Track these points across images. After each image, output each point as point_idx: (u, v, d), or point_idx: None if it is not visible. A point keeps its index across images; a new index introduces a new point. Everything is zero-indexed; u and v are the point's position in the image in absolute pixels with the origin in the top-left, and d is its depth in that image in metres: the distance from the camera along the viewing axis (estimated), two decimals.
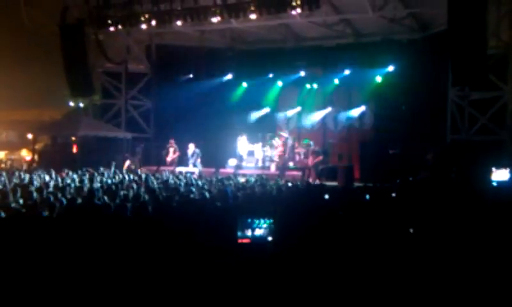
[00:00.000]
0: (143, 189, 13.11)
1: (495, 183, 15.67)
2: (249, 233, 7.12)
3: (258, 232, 7.13)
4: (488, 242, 7.47)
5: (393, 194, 12.34)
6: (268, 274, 6.30)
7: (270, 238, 7.12)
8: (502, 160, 16.90)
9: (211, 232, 7.68)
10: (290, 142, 22.95)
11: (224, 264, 6.50)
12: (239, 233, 7.12)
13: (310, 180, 18.90)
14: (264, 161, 22.82)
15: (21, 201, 10.71)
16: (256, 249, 7.04)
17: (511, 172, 15.89)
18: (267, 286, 6.07)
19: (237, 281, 6.15)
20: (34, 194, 11.66)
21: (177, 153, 23.04)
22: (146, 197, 11.88)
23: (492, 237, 7.69)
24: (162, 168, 21.54)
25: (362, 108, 23.54)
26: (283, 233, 7.32)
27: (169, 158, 23.09)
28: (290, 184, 15.43)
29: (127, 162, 22.49)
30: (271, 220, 7.17)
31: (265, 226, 7.16)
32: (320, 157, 21.35)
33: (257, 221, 7.15)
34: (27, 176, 15.34)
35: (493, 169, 15.97)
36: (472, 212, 9.45)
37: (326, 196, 11.89)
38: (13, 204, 10.24)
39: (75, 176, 16.11)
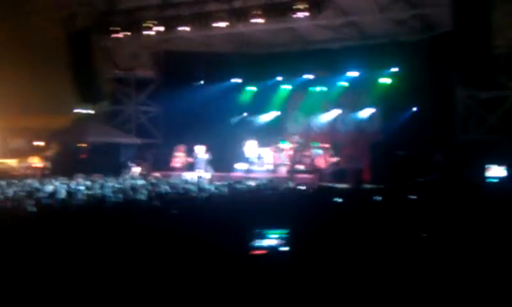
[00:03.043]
0: (153, 194, 13.21)
1: (492, 180, 15.80)
2: (261, 243, 7.01)
3: (271, 242, 7.02)
4: (488, 240, 7.50)
5: (411, 197, 12.25)
6: (284, 285, 6.29)
7: (282, 249, 7.01)
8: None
9: (220, 240, 7.68)
10: (299, 145, 22.99)
11: (236, 273, 6.49)
12: (251, 244, 7.02)
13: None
14: (275, 165, 22.85)
15: (30, 209, 10.81)
16: (269, 260, 6.97)
17: (507, 169, 16.07)
18: (282, 297, 6.06)
19: (250, 291, 6.14)
20: (43, 201, 11.78)
21: (186, 158, 23.14)
22: (157, 202, 11.97)
23: (492, 235, 7.71)
24: (171, 173, 21.63)
25: (371, 110, 23.56)
26: (300, 242, 7.27)
27: (178, 164, 23.17)
28: (302, 187, 15.47)
29: (138, 168, 22.63)
30: (285, 231, 7.06)
31: (277, 236, 7.06)
32: (336, 158, 21.49)
33: (269, 232, 7.06)
34: (37, 183, 15.48)
35: (488, 166, 16.12)
36: (468, 210, 9.49)
37: (338, 199, 11.90)
38: (23, 212, 10.37)
39: (87, 182, 16.26)
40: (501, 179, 15.75)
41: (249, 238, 7.08)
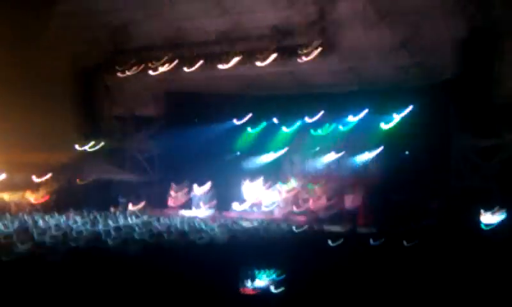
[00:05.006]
0: (146, 232, 13.08)
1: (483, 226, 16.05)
2: (252, 283, 6.95)
3: (261, 283, 6.96)
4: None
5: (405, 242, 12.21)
6: None
7: (273, 290, 6.94)
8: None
9: (214, 279, 7.58)
10: (295, 187, 22.94)
11: None
12: (242, 283, 6.96)
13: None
14: (269, 205, 22.78)
15: (23, 245, 10.64)
16: (260, 300, 6.90)
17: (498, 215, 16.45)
18: None
19: None
20: (37, 237, 11.65)
21: (181, 197, 23.11)
22: (150, 240, 11.84)
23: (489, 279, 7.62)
24: (166, 211, 21.54)
25: (368, 154, 23.54)
26: (291, 283, 7.20)
27: (172, 202, 23.12)
28: (295, 229, 15.36)
29: (134, 206, 22.57)
30: (277, 272, 7.02)
31: (267, 277, 7.00)
32: (324, 201, 21.44)
33: (261, 272, 7.00)
34: (30, 219, 15.36)
35: (482, 211, 16.38)
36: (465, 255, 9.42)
37: (330, 243, 11.80)
38: (17, 249, 10.23)
39: (78, 218, 16.15)
40: (489, 225, 16.07)
41: (241, 278, 7.01)
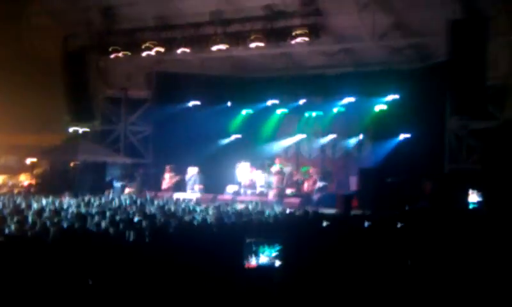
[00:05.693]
0: (140, 215, 13.07)
1: (471, 206, 16.27)
2: (254, 260, 7.07)
3: (264, 259, 7.07)
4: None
5: (399, 225, 12.25)
6: (277, 300, 6.27)
7: (276, 265, 7.08)
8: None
9: (215, 258, 7.61)
10: (288, 169, 22.94)
11: (231, 290, 6.44)
12: (246, 259, 7.08)
13: None
14: (263, 188, 22.77)
15: (13, 226, 10.61)
16: (263, 274, 7.02)
17: (479, 196, 16.67)
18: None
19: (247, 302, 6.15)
20: (30, 219, 11.62)
21: (175, 179, 23.06)
22: (144, 223, 11.83)
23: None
24: (160, 194, 21.53)
25: (361, 136, 23.58)
26: (293, 259, 7.30)
27: (166, 185, 23.07)
28: (289, 211, 15.41)
29: (127, 187, 22.54)
30: (279, 247, 7.12)
31: (268, 253, 7.10)
32: (318, 184, 21.45)
33: (262, 248, 7.11)
34: (24, 201, 15.30)
35: (470, 191, 16.59)
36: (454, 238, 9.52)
37: (324, 224, 11.84)
38: (6, 230, 10.20)
39: (72, 201, 16.11)
40: (477, 204, 16.36)
41: (244, 254, 7.12)
